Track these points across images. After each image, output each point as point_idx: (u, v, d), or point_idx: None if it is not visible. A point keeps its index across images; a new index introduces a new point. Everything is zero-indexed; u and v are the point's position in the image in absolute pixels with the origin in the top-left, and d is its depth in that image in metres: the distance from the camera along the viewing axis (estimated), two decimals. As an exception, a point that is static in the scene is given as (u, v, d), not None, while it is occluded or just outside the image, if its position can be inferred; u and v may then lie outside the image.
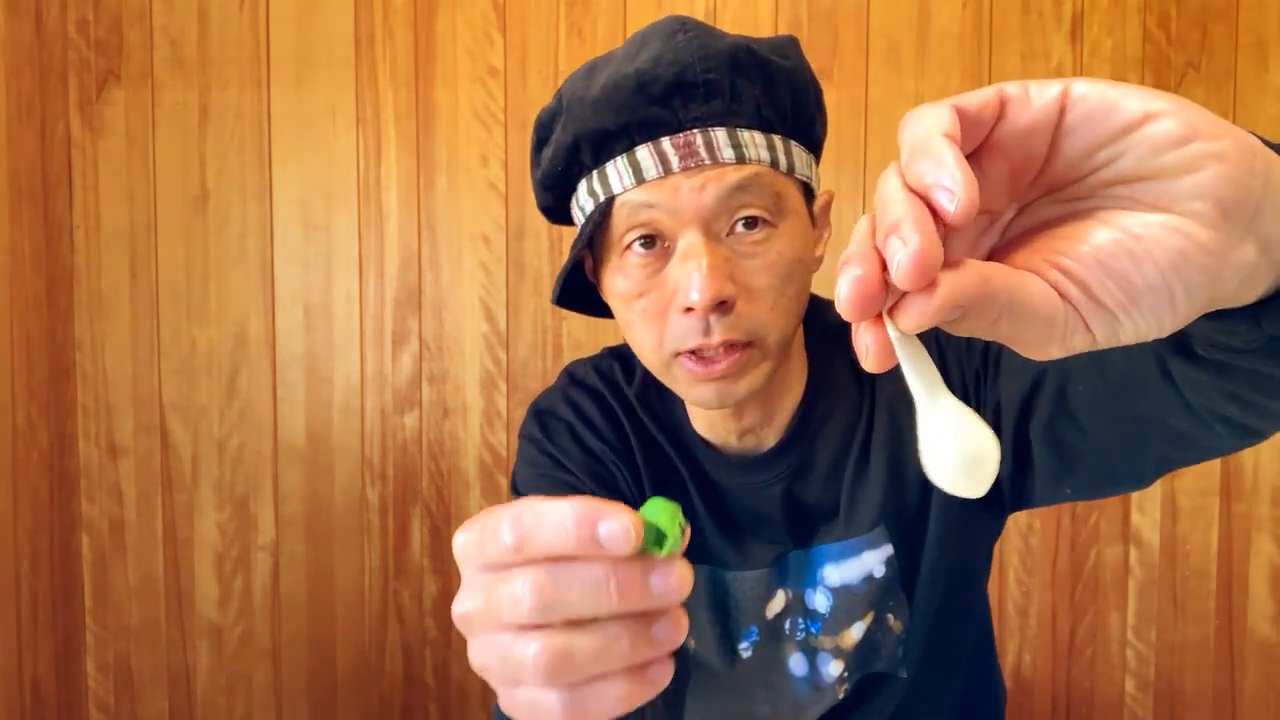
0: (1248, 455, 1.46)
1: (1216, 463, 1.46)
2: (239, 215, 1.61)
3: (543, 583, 0.34)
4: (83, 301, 1.63)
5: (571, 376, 0.85)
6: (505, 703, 0.37)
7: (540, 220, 1.56)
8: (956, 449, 0.33)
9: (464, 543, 0.37)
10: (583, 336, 1.56)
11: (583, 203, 0.71)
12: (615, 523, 0.33)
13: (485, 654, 0.36)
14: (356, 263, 1.60)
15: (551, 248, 1.56)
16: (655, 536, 0.34)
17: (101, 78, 1.61)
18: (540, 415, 0.82)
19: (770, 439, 0.77)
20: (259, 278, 1.61)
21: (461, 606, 0.37)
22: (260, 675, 1.66)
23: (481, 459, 1.59)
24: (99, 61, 1.61)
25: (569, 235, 1.56)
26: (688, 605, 0.78)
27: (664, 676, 0.35)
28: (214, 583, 1.65)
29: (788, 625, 0.77)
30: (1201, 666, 1.49)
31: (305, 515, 1.63)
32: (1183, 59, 1.44)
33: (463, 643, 1.62)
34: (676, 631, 0.35)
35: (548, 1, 1.54)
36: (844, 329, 0.80)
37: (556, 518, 0.34)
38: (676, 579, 0.34)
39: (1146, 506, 1.49)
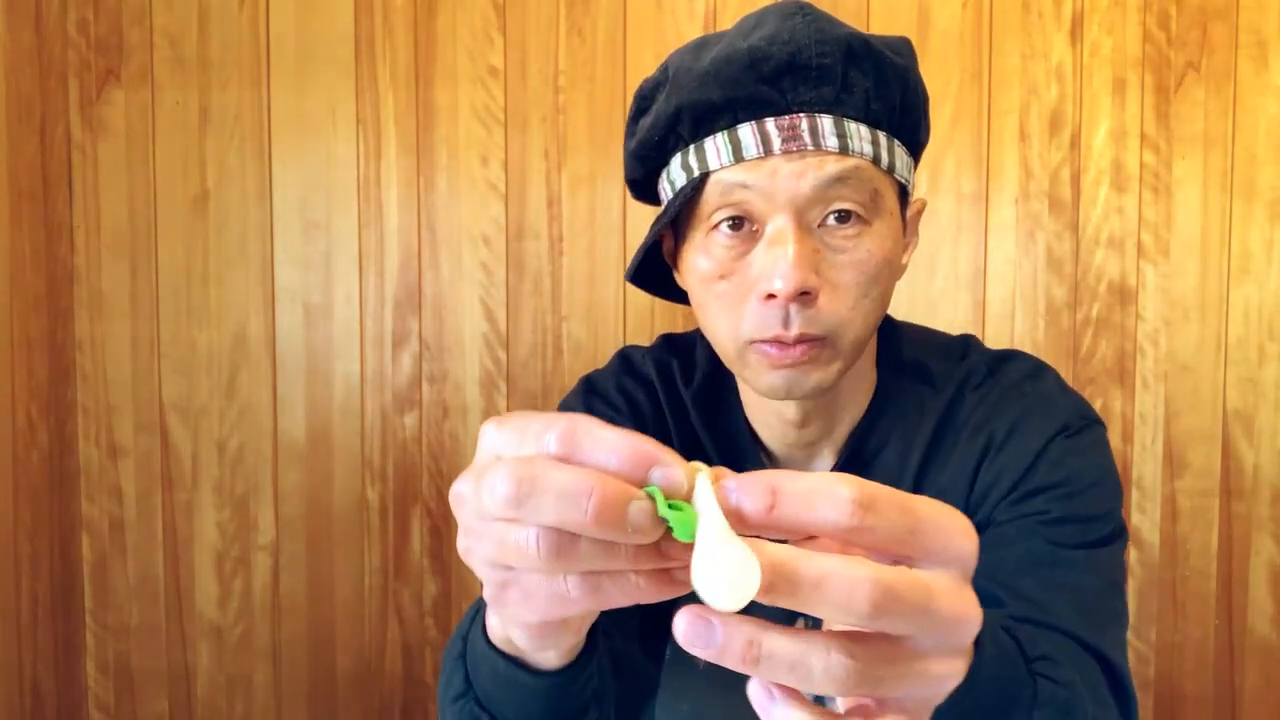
0: (1247, 455, 1.46)
1: (1216, 462, 1.46)
2: (239, 215, 1.61)
3: (520, 475, 0.33)
4: (83, 301, 1.63)
5: (627, 362, 0.82)
6: (495, 596, 0.37)
7: (540, 220, 1.56)
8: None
9: (496, 434, 0.37)
10: (583, 337, 1.56)
11: (674, 176, 0.69)
12: (673, 469, 0.33)
13: (482, 539, 0.36)
14: (356, 262, 1.60)
15: (551, 248, 1.56)
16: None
17: (101, 78, 1.61)
18: (590, 394, 0.80)
19: (826, 458, 0.76)
20: (259, 278, 1.61)
21: (467, 485, 0.36)
22: (260, 675, 1.66)
23: (481, 459, 1.59)
24: (99, 61, 1.61)
25: (570, 236, 1.56)
26: None
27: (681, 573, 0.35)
28: (214, 583, 1.65)
29: None
30: (1201, 666, 1.49)
31: (305, 515, 1.63)
32: (1183, 59, 1.45)
33: (463, 643, 1.62)
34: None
35: (548, 1, 1.54)
36: (919, 365, 0.77)
37: (611, 443, 0.34)
38: (650, 519, 0.33)
39: (1146, 507, 1.49)
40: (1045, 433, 0.70)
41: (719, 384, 0.77)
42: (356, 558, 1.63)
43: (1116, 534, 0.69)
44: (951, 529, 0.35)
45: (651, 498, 0.33)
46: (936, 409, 0.75)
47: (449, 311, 1.59)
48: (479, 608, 0.53)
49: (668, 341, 0.84)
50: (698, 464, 0.34)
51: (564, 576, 0.35)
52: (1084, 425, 0.72)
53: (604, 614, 0.50)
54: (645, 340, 1.56)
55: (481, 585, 0.40)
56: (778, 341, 0.65)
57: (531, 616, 0.38)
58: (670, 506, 0.33)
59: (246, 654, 1.65)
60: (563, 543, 0.34)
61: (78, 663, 1.66)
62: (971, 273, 1.49)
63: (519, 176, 1.56)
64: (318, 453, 1.62)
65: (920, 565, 0.34)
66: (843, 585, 0.32)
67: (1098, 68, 1.46)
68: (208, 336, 1.62)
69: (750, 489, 0.33)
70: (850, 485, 0.33)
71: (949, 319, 1.50)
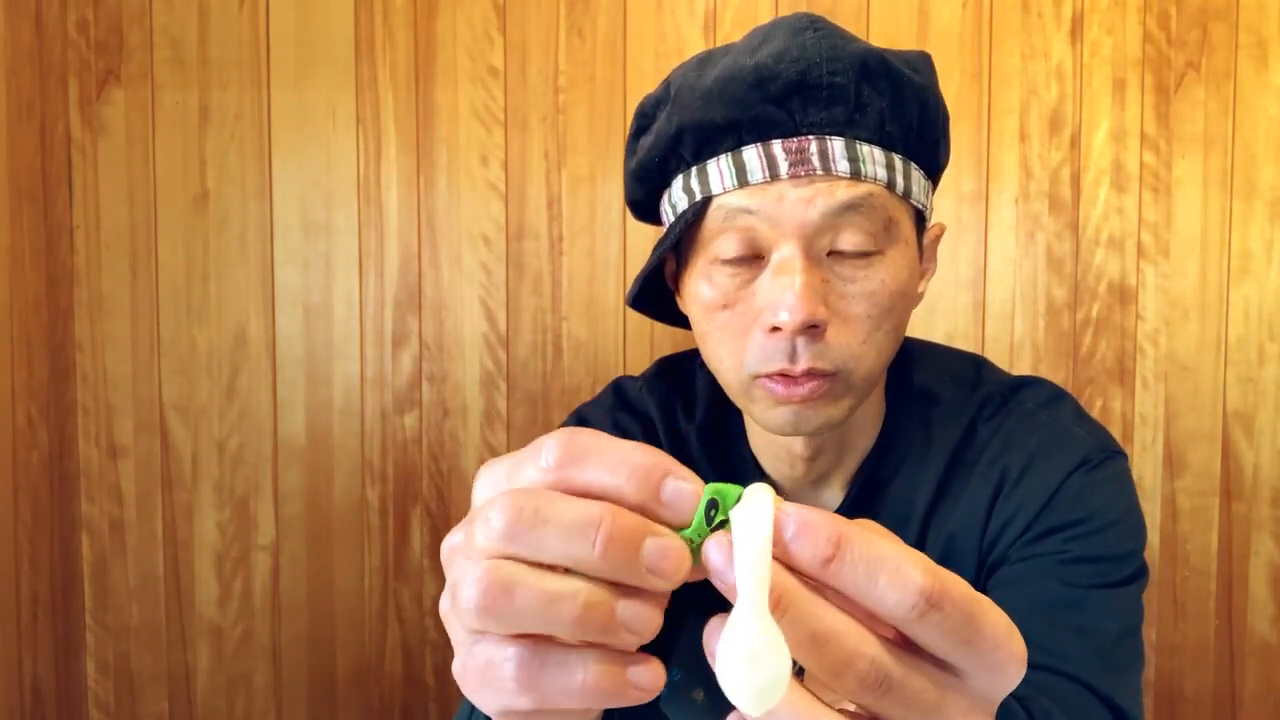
0: (1247, 455, 1.46)
1: (1216, 462, 1.46)
2: (239, 215, 1.61)
3: (521, 504, 0.30)
4: (83, 301, 1.63)
5: (621, 395, 0.78)
6: (458, 664, 0.33)
7: (540, 220, 1.56)
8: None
9: (492, 470, 0.33)
10: (583, 336, 1.56)
11: (675, 199, 0.66)
12: (687, 483, 0.30)
13: (450, 591, 0.32)
14: (356, 263, 1.60)
15: (551, 247, 1.56)
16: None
17: (101, 78, 1.61)
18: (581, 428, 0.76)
19: (835, 492, 0.73)
20: (259, 278, 1.61)
21: (451, 540, 0.33)
22: (260, 675, 1.66)
23: (481, 459, 1.59)
24: (99, 61, 1.61)
25: (570, 236, 1.56)
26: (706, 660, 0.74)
27: (647, 680, 0.30)
28: (214, 583, 1.65)
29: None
30: (1201, 667, 1.49)
31: (305, 515, 1.63)
32: (1183, 59, 1.44)
33: (463, 643, 1.62)
34: (644, 624, 0.30)
35: (548, 1, 1.54)
36: (929, 393, 0.75)
37: (623, 451, 0.30)
38: (674, 557, 0.29)
39: (1146, 507, 1.49)
40: (1063, 468, 0.67)
41: (722, 417, 0.74)
42: (356, 558, 1.63)
43: (1137, 574, 0.66)
44: (1007, 654, 0.31)
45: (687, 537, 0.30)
46: (949, 441, 0.71)
47: (449, 311, 1.59)
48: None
49: (665, 369, 0.80)
50: (763, 485, 0.31)
51: (505, 658, 0.30)
52: (1104, 458, 0.69)
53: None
54: (644, 342, 1.57)
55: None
56: (783, 375, 0.62)
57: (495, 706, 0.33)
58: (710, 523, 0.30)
59: (246, 654, 1.65)
60: (500, 580, 0.29)
61: (78, 663, 1.66)
62: (971, 273, 1.49)
63: (519, 176, 1.56)
64: (318, 453, 1.62)
65: (955, 672, 0.31)
66: (841, 653, 0.29)
67: (1098, 68, 1.46)
68: (208, 336, 1.62)
69: (812, 535, 0.29)
70: (924, 571, 0.29)
71: (948, 320, 1.50)
